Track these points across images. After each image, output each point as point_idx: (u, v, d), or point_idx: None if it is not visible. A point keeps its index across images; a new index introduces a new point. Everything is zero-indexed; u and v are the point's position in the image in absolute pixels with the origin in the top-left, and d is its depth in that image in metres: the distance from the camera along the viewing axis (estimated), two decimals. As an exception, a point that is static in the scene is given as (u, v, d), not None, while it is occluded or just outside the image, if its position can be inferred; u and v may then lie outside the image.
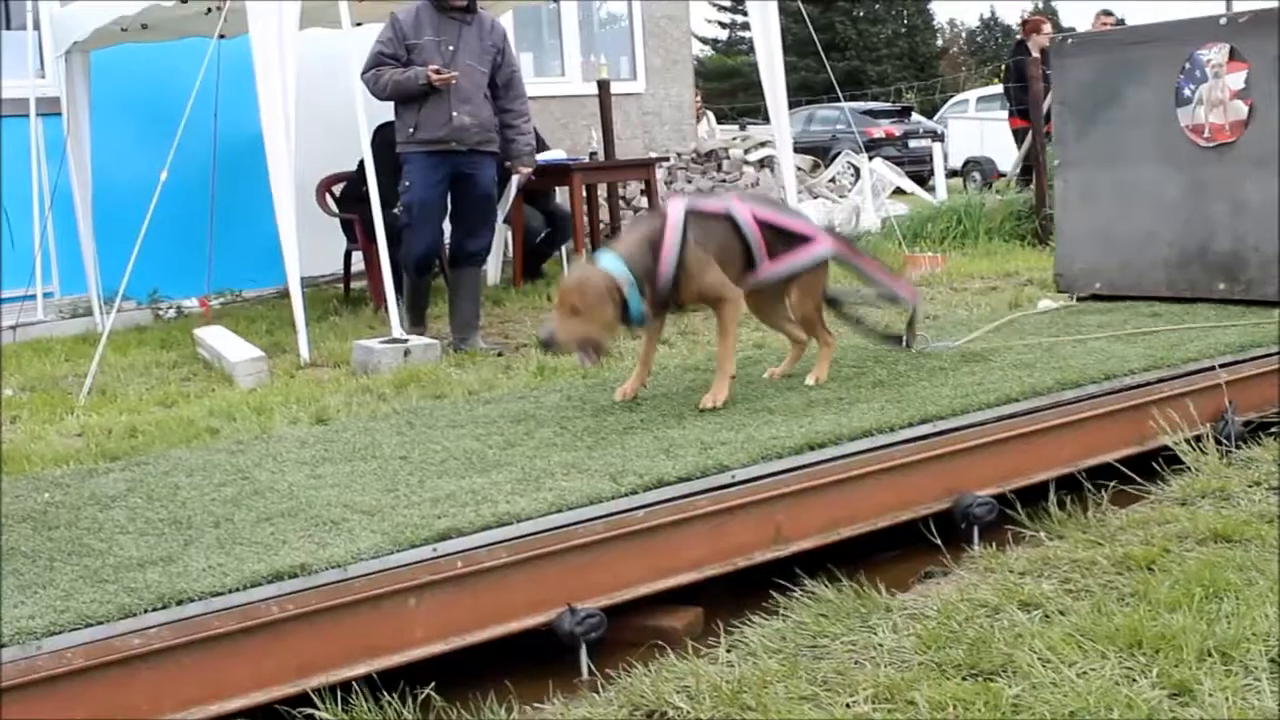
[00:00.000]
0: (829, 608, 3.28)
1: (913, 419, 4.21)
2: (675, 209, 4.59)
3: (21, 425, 5.91)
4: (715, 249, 4.61)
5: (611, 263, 4.41)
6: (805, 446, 3.95)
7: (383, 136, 7.74)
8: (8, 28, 10.91)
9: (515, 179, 7.92)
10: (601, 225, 11.00)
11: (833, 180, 16.41)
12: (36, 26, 10.30)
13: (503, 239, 10.16)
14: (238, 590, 3.00)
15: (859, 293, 5.32)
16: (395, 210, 7.44)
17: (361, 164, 7.60)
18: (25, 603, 2.99)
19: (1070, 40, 7.00)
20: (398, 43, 7.16)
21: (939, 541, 3.77)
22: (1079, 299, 6.73)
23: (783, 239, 4.78)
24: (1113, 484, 4.15)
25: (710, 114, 17.29)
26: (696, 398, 4.72)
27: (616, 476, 3.70)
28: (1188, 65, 6.24)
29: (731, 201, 4.81)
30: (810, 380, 4.88)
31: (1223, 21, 6.21)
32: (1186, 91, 6.25)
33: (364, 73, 7.23)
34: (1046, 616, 3.09)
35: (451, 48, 7.16)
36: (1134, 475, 4.24)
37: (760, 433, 4.13)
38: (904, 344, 5.32)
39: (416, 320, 7.49)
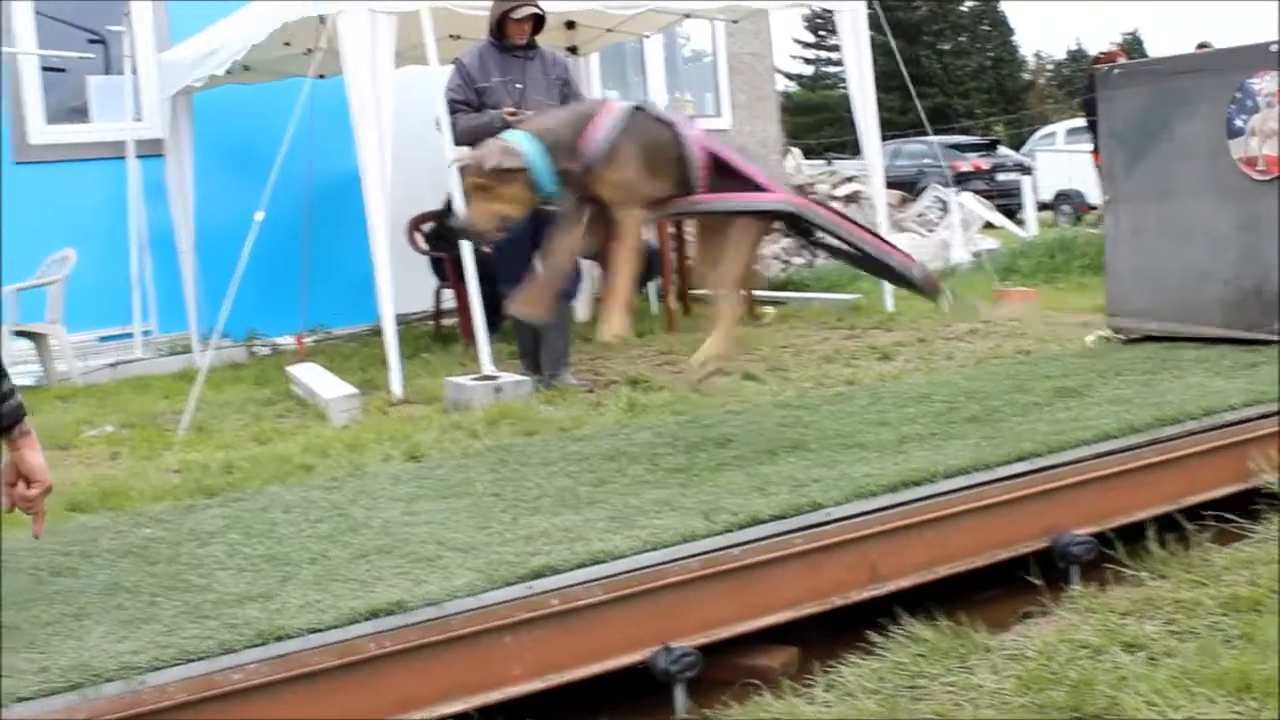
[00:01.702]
0: (927, 648, 3.23)
1: (1009, 456, 4.16)
2: (624, 103, 4.59)
3: (121, 461, 6.01)
4: (646, 146, 4.48)
5: (513, 135, 4.41)
6: (900, 484, 3.92)
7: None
8: (106, 73, 11.19)
9: None
10: (690, 261, 10.99)
11: (920, 214, 16.32)
12: (134, 71, 10.53)
13: (590, 275, 10.19)
14: (335, 627, 3.02)
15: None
16: (485, 249, 7.50)
17: (449, 202, 7.66)
18: (129, 638, 3.03)
19: (1117, 70, 6.75)
20: (467, 87, 7.24)
21: (1038, 581, 3.71)
22: (1130, 341, 6.49)
23: (734, 182, 4.61)
24: (1213, 522, 4.06)
25: (796, 150, 17.16)
26: (792, 435, 4.70)
27: (710, 514, 3.69)
28: (1239, 95, 6.02)
29: (682, 121, 4.68)
30: (696, 360, 4.72)
31: (1273, 49, 5.96)
32: (1238, 122, 6.03)
33: (438, 122, 7.31)
34: (1151, 659, 3.02)
35: (519, 86, 7.23)
36: (1233, 515, 4.14)
37: (854, 470, 4.10)
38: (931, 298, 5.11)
39: (531, 366, 7.40)
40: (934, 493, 3.89)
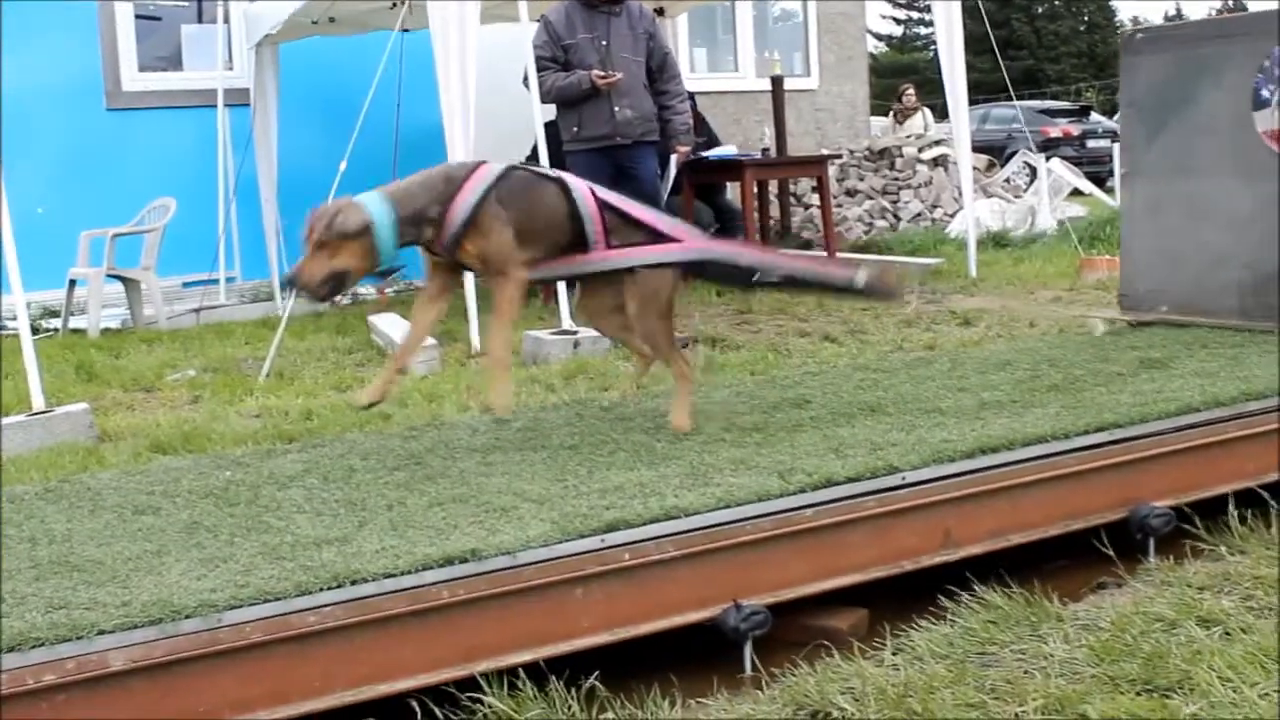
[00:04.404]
0: (998, 615, 3.22)
1: (1089, 426, 4.11)
2: (494, 164, 4.25)
3: (203, 405, 6.11)
4: (521, 213, 4.16)
5: (368, 198, 4.05)
6: (977, 450, 3.89)
7: (548, 134, 7.83)
8: (199, 21, 11.30)
9: (674, 159, 7.94)
10: (771, 222, 10.97)
11: (1008, 180, 16.12)
12: (226, 21, 10.64)
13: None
14: (409, 573, 3.05)
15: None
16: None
17: (531, 157, 7.68)
18: (208, 576, 3.08)
19: (1140, 35, 6.28)
20: (554, 45, 7.24)
21: (1112, 553, 3.67)
22: (1141, 324, 6.08)
23: (635, 232, 4.32)
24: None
25: (927, 110, 16.57)
26: (869, 398, 4.68)
27: (785, 474, 3.68)
28: (1266, 63, 5.57)
29: (567, 175, 4.42)
30: (673, 426, 4.33)
31: None
32: (1265, 93, 5.59)
33: (525, 79, 7.32)
34: (1227, 634, 2.99)
35: (605, 43, 7.21)
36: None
37: (931, 435, 4.07)
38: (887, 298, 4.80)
39: None
40: (1011, 460, 3.85)
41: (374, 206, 4.01)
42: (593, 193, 4.30)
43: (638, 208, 4.42)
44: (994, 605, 3.27)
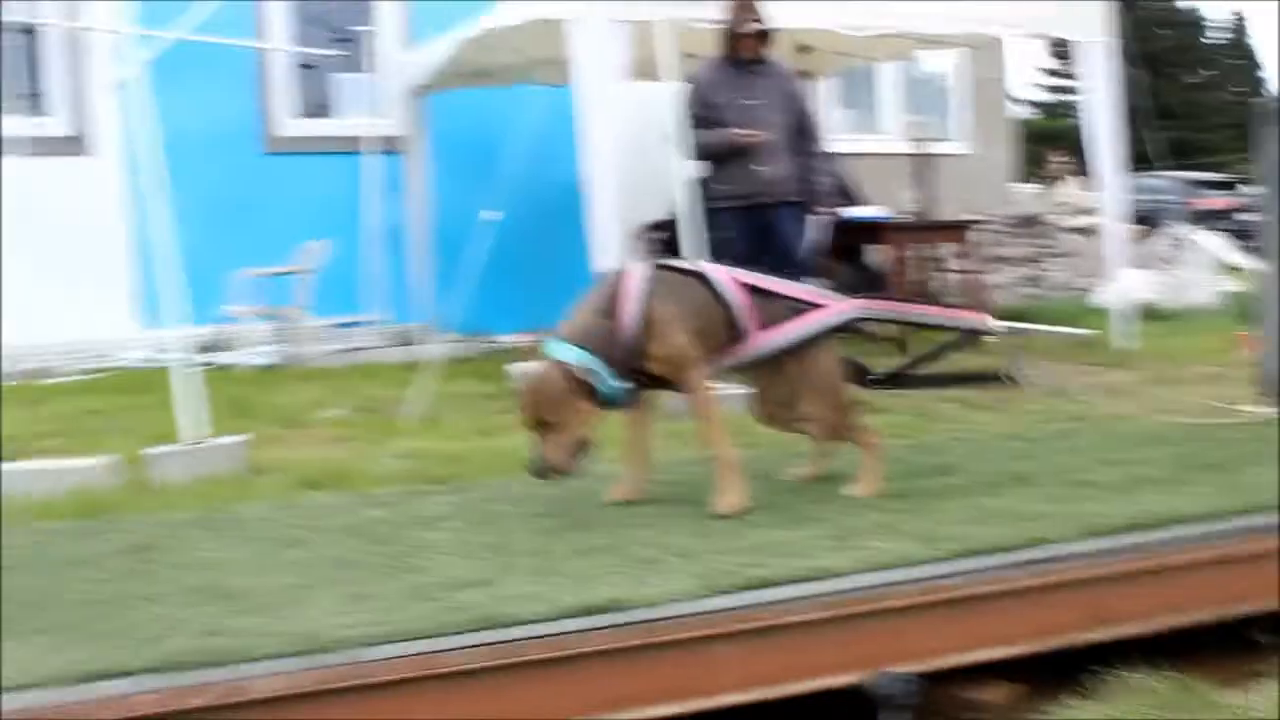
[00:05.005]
0: (1152, 700, 3.12)
1: (1248, 507, 3.98)
2: (637, 267, 4.19)
3: (351, 445, 6.20)
4: (683, 308, 4.11)
5: (559, 350, 3.99)
6: (1130, 526, 3.79)
7: (694, 193, 7.85)
8: (353, 70, 11.57)
9: (816, 219, 7.92)
10: (910, 285, 10.87)
11: (1158, 252, 15.79)
12: (378, 70, 10.90)
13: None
14: (553, 619, 3.06)
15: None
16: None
17: (671, 217, 7.71)
18: (353, 611, 3.12)
19: (1273, 106, 6.00)
20: (699, 103, 7.28)
21: (1268, 642, 3.54)
22: None
23: (781, 308, 4.28)
24: None
25: (1077, 177, 16.14)
26: (1018, 467, 4.59)
27: (930, 541, 3.63)
28: None
29: (703, 264, 4.36)
30: (851, 492, 4.28)
31: None
32: None
33: (670, 137, 7.37)
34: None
35: (750, 102, 7.23)
36: None
37: (1081, 507, 3.98)
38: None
39: None
40: (1166, 539, 3.74)
41: (572, 357, 3.97)
42: (730, 277, 4.25)
43: (775, 281, 4.38)
44: (1147, 688, 3.17)
